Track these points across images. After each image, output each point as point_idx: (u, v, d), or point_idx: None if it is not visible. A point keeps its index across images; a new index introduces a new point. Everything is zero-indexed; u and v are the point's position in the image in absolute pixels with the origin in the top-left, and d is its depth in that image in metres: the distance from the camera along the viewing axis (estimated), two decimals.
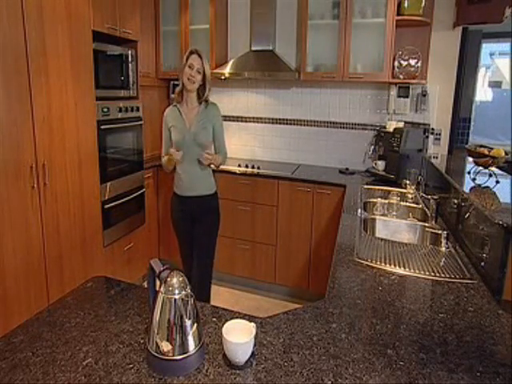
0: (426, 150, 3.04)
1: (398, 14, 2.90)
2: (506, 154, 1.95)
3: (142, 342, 1.04)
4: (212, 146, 2.46)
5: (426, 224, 2.08)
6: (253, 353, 0.98)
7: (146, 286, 1.27)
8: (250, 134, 3.82)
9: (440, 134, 3.17)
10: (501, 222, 1.35)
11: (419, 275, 1.47)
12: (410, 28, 3.07)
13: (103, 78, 2.70)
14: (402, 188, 2.63)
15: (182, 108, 2.37)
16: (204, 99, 2.34)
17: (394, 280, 1.44)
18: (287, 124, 3.67)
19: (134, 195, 3.10)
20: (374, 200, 2.46)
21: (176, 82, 3.81)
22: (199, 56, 2.25)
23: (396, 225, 2.15)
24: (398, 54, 3.06)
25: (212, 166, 2.43)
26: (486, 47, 4.70)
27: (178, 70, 2.33)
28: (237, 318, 1.11)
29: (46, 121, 2.20)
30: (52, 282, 2.32)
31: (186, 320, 0.94)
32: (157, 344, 0.93)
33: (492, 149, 2.01)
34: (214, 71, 3.32)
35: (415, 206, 2.38)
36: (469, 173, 2.16)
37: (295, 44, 3.47)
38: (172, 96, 3.82)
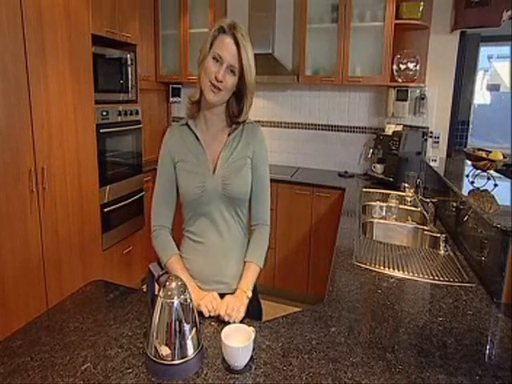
0: (425, 153, 3.04)
1: (397, 18, 2.92)
2: (504, 157, 1.96)
3: (140, 346, 1.04)
4: (247, 202, 1.34)
5: (425, 227, 2.08)
6: (252, 357, 0.98)
7: (144, 289, 1.27)
8: None
9: (439, 137, 3.18)
10: (499, 226, 1.35)
11: (418, 278, 1.47)
12: (408, 31, 3.08)
13: (102, 81, 2.71)
14: (400, 191, 2.63)
15: (199, 130, 1.31)
16: (239, 119, 1.30)
17: (392, 283, 1.44)
18: (286, 127, 3.68)
19: (134, 198, 3.10)
20: (373, 203, 2.46)
21: (176, 86, 3.81)
22: (235, 40, 1.19)
23: (395, 228, 2.15)
24: (397, 57, 3.07)
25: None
26: (484, 50, 4.73)
27: (198, 60, 1.24)
28: (235, 322, 1.11)
29: (44, 124, 2.20)
30: (51, 286, 2.31)
31: (185, 324, 0.93)
32: (156, 348, 0.93)
33: (490, 152, 2.01)
34: None
35: (414, 209, 2.39)
36: (467, 176, 2.16)
37: (294, 47, 3.48)
38: (172, 100, 3.81)
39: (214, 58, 1.19)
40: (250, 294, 1.24)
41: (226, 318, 1.13)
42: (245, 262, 1.32)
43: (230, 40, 1.19)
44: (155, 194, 1.35)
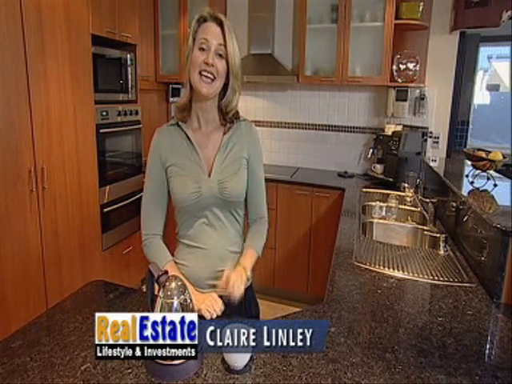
0: (425, 153, 3.04)
1: (397, 18, 2.91)
2: (504, 157, 1.96)
3: None
4: (242, 204, 1.31)
5: (425, 227, 2.08)
6: (251, 357, 0.98)
7: (144, 290, 1.27)
8: None
9: (438, 137, 3.18)
10: (499, 226, 1.35)
11: (418, 278, 1.47)
12: (408, 32, 3.08)
13: (102, 81, 2.70)
14: (400, 191, 2.62)
15: (190, 131, 1.23)
16: (229, 111, 1.22)
17: (392, 283, 1.44)
18: (286, 127, 3.67)
19: (133, 199, 3.10)
20: (373, 203, 2.45)
21: (176, 86, 3.81)
22: (220, 24, 1.16)
23: (394, 228, 2.15)
24: (397, 57, 3.07)
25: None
26: (484, 50, 4.73)
27: (184, 59, 1.19)
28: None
29: (44, 125, 2.20)
30: (50, 286, 2.31)
31: None
32: None
33: (490, 152, 2.01)
34: None
35: (414, 209, 2.39)
36: (467, 176, 2.16)
37: (294, 47, 3.48)
38: (172, 100, 3.81)
39: (200, 49, 1.14)
40: (249, 274, 1.23)
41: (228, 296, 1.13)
42: (243, 250, 1.30)
43: (213, 24, 1.16)
44: (144, 201, 1.28)
